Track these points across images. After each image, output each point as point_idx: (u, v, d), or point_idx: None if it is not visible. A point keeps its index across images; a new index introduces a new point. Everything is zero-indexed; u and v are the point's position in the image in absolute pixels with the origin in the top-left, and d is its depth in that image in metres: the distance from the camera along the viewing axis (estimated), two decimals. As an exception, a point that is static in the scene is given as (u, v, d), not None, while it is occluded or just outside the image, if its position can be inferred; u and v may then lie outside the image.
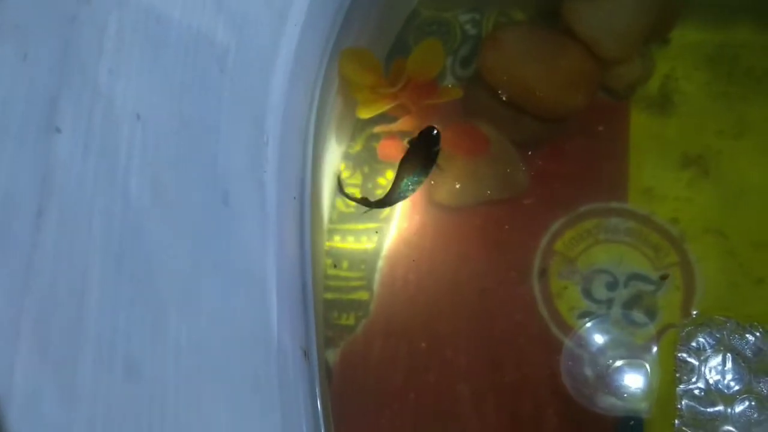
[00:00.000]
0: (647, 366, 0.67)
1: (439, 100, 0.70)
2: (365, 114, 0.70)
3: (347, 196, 0.71)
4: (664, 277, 0.71)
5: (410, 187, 0.69)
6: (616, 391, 0.67)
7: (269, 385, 0.42)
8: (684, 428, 0.64)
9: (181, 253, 0.35)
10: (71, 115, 0.29)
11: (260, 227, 0.45)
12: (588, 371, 0.68)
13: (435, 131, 0.68)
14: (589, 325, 0.71)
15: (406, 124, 0.73)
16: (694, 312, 0.68)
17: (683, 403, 0.65)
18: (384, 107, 0.69)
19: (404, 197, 0.69)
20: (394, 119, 0.75)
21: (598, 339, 0.70)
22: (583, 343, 0.70)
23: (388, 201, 0.69)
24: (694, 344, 0.66)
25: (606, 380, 0.68)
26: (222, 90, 0.41)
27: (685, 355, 0.66)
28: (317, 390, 0.52)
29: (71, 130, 0.28)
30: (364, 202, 0.70)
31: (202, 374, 0.36)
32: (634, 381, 0.67)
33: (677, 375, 0.65)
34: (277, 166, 0.48)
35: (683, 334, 0.67)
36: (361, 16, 0.69)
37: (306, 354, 0.51)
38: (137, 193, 0.31)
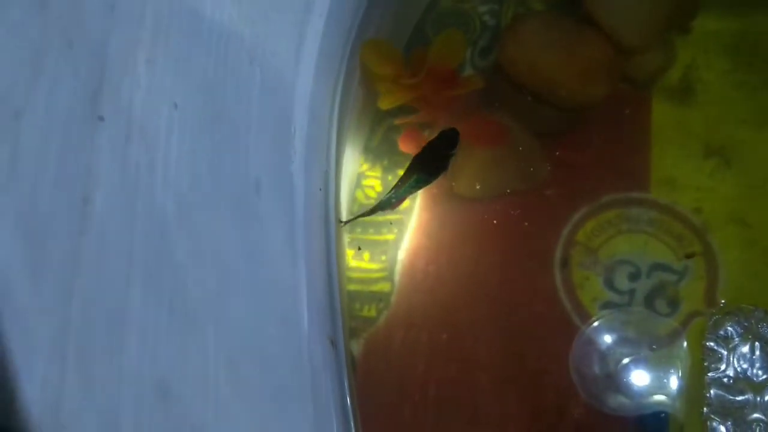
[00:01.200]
0: (673, 356, 0.67)
1: (460, 91, 0.70)
2: (386, 105, 0.69)
3: (347, 221, 0.68)
4: (689, 256, 0.70)
5: (416, 186, 0.66)
6: (640, 382, 0.67)
7: (302, 376, 0.42)
8: (712, 416, 0.63)
9: (218, 242, 0.35)
10: (112, 105, 0.29)
11: (289, 217, 0.45)
12: (603, 366, 0.68)
13: (455, 133, 0.66)
14: (609, 316, 0.70)
15: (426, 115, 0.73)
16: (722, 301, 0.68)
17: (711, 391, 0.64)
18: (405, 98, 0.69)
19: (407, 195, 0.66)
20: (414, 111, 0.75)
21: (618, 331, 0.70)
22: (601, 336, 0.70)
23: (394, 198, 0.66)
24: (722, 333, 0.65)
25: (626, 374, 0.68)
26: (252, 80, 0.41)
27: (713, 344, 0.65)
28: (345, 380, 0.52)
29: (113, 119, 0.29)
30: (368, 212, 0.67)
31: (237, 372, 0.36)
32: (659, 371, 0.67)
33: (705, 364, 0.65)
34: (303, 157, 0.48)
35: (711, 322, 0.66)
36: (382, 7, 0.69)
37: (333, 344, 0.51)
38: (176, 181, 0.31)
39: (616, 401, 0.68)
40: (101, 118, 0.27)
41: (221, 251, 0.36)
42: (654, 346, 0.67)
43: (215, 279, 0.35)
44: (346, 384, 0.52)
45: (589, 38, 0.73)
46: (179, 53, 0.34)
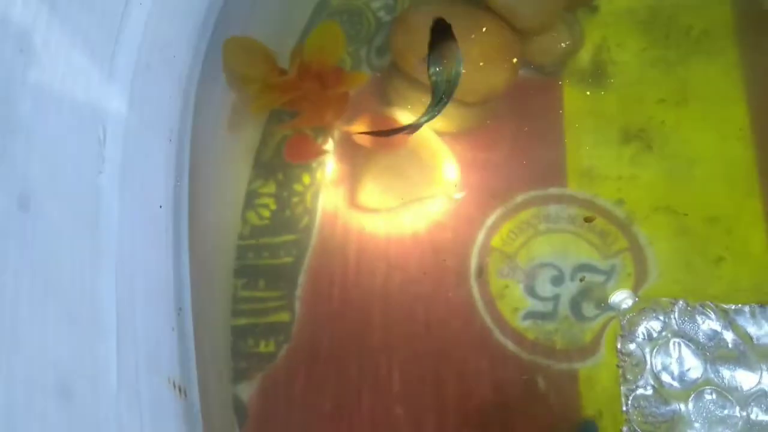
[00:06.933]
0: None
1: (344, 88, 0.62)
2: (259, 108, 0.62)
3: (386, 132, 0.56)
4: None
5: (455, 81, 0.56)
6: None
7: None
8: (634, 437, 0.54)
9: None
10: None
11: (89, 239, 0.36)
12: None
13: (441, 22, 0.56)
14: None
15: (312, 118, 0.65)
16: (636, 296, 0.60)
17: (629, 404, 0.55)
18: (279, 100, 0.61)
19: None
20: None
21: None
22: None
23: (447, 93, 0.55)
24: (638, 333, 0.57)
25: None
26: (18, 73, 0.32)
27: (632, 345, 0.56)
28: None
29: None
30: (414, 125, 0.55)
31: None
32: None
33: (620, 371, 0.57)
34: (120, 168, 0.40)
35: (624, 322, 0.58)
36: (245, 4, 0.62)
37: (182, 391, 0.42)
38: None
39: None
40: None
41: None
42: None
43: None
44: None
45: (484, 23, 0.66)
46: None
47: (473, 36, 0.66)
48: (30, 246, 0.31)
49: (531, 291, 0.65)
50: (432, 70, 0.56)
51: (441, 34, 0.57)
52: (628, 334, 0.56)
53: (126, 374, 0.36)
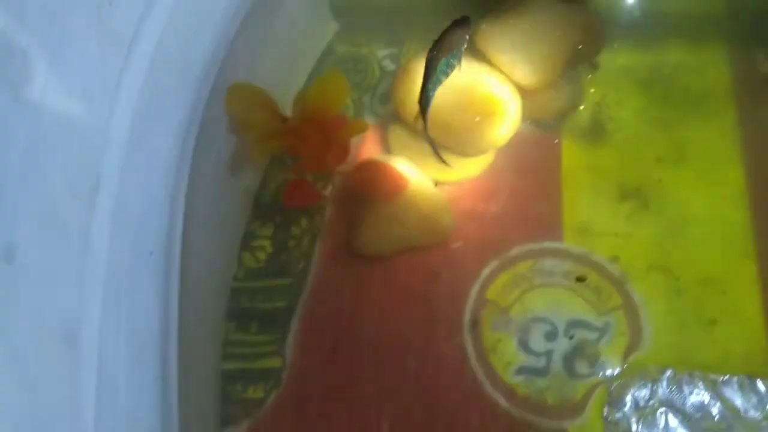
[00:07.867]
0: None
1: (345, 136, 0.63)
2: (259, 154, 0.62)
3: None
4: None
5: (447, 70, 0.61)
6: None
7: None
8: None
9: None
10: None
11: (75, 288, 0.37)
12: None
13: (466, 17, 0.61)
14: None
15: (312, 164, 0.66)
16: (626, 362, 0.59)
17: None
18: (279, 146, 0.62)
19: (440, 82, 0.61)
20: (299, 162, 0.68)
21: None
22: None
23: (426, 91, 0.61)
24: (625, 401, 0.56)
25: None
26: (11, 117, 0.33)
27: (618, 414, 0.56)
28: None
29: None
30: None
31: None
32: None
33: None
34: (112, 216, 0.40)
35: (612, 389, 0.57)
36: (252, 49, 0.63)
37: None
38: None
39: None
40: None
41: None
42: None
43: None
44: None
45: (485, 78, 0.67)
46: None
47: (474, 90, 0.67)
48: (13, 297, 0.31)
49: (524, 345, 0.64)
50: (430, 54, 0.60)
51: (459, 25, 0.60)
52: (616, 402, 0.55)
53: (102, 426, 0.36)
